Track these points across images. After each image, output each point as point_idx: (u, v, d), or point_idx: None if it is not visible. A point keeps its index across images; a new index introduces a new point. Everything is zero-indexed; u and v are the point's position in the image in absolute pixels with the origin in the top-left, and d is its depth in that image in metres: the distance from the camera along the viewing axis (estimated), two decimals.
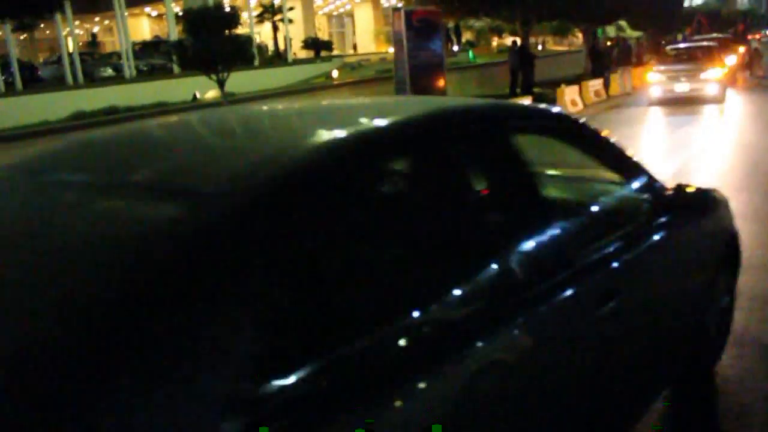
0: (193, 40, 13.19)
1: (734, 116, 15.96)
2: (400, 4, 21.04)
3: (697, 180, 9.28)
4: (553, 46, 48.21)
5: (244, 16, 43.43)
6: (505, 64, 24.09)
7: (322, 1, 47.87)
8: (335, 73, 24.93)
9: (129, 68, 25.60)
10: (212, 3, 13.39)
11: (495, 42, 44.64)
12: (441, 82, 19.35)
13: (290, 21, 35.34)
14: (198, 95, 19.07)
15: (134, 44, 29.31)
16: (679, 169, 10.04)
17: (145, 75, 26.31)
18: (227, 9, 13.33)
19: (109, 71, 28.28)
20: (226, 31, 13.34)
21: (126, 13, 41.05)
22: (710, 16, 53.48)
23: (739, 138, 12.84)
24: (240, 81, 22.69)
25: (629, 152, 3.26)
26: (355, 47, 50.20)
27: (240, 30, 42.25)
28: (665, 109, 17.71)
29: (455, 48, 34.69)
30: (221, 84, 13.58)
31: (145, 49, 32.41)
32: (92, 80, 25.48)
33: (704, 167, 10.29)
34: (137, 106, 16.82)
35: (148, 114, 15.91)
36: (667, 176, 9.51)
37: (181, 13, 13.67)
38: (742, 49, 29.12)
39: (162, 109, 16.66)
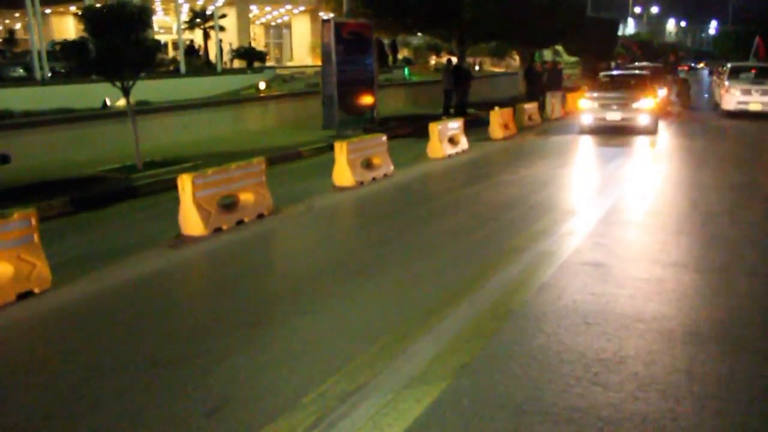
0: (96, 42, 11.86)
1: (667, 149, 15.55)
2: (331, 15, 20.07)
3: (631, 221, 8.77)
4: (491, 66, 48.17)
5: (167, 20, 42.01)
6: (441, 82, 23.50)
7: (259, 10, 46.54)
8: (262, 85, 23.78)
9: (41, 69, 23.80)
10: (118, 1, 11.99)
11: (433, 60, 44.24)
12: (370, 99, 18.48)
13: (222, 29, 33.98)
14: (108, 102, 17.62)
15: (54, 44, 27.25)
16: (613, 207, 9.34)
17: (62, 77, 24.48)
18: (135, 8, 11.97)
19: (20, 71, 26.33)
20: (133, 34, 12.04)
21: (49, 11, 38.95)
22: (642, 46, 54.71)
23: (674, 174, 12.31)
24: (160, 89, 21.34)
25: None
26: (291, 59, 49.10)
27: (167, 36, 40.88)
28: (597, 138, 17.24)
29: (390, 64, 33.94)
30: (126, 92, 12.28)
31: (66, 50, 30.28)
32: (0, 80, 23.60)
33: (638, 206, 9.61)
34: (35, 112, 15.31)
35: (44, 121, 14.45)
36: (599, 215, 8.95)
37: (84, 11, 12.19)
38: (672, 78, 29.43)
39: (64, 116, 15.19)
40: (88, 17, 11.84)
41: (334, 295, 6.00)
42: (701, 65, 77.07)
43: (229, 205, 9.06)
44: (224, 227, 8.57)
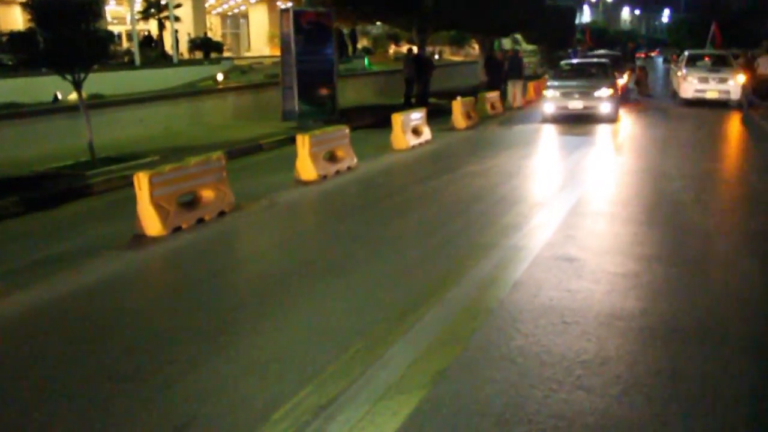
0: (44, 33, 11.30)
1: (630, 137, 15.59)
2: (289, 5, 19.65)
3: (600, 212, 8.68)
4: (450, 56, 48.09)
5: (120, 10, 40.87)
6: (401, 72, 23.28)
7: (215, 0, 45.63)
8: (220, 77, 23.25)
9: None
10: None
11: (392, 50, 43.97)
12: (330, 90, 18.15)
13: (177, 19, 33.15)
14: (60, 96, 16.97)
15: (1, 35, 26.13)
16: (581, 198, 9.26)
17: (9, 71, 23.55)
18: None
19: None
20: (83, 25, 11.52)
21: None
22: (597, 34, 55.22)
23: (639, 162, 12.30)
24: (114, 81, 20.65)
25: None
26: (249, 49, 48.30)
27: (120, 27, 39.80)
28: (560, 127, 17.25)
29: (350, 54, 33.57)
30: (77, 85, 11.77)
31: (13, 42, 29.22)
32: None
33: (606, 196, 9.56)
34: None
35: None
36: (568, 206, 8.85)
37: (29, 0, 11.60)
38: (631, 66, 29.69)
39: (10, 111, 14.55)
40: (34, 6, 11.29)
41: (302, 297, 5.75)
42: (655, 53, 78.31)
43: (188, 203, 8.72)
44: (184, 226, 8.23)
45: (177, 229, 8.11)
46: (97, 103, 16.30)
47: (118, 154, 12.93)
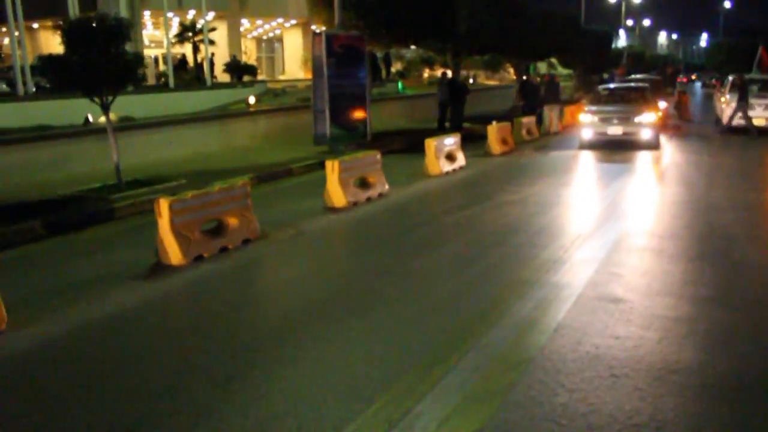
0: (72, 56, 11.19)
1: (673, 165, 14.90)
2: (324, 29, 19.45)
3: (646, 247, 8.13)
4: (485, 79, 47.74)
5: (156, 33, 41.33)
6: (435, 96, 22.93)
7: (250, 24, 46.02)
8: (252, 100, 23.14)
9: (24, 84, 23.12)
10: (108, 14, 11.37)
11: (426, 73, 43.76)
12: (363, 114, 17.83)
13: (211, 42, 33.36)
14: (91, 118, 16.92)
15: (40, 58, 26.50)
16: (625, 231, 8.68)
17: (45, 93, 23.81)
18: (114, 21, 11.33)
19: (3, 86, 25.63)
20: (113, 48, 11.39)
21: (36, 25, 38.29)
22: (635, 58, 54.44)
23: (684, 192, 11.61)
24: (148, 104, 20.70)
25: None
26: (283, 73, 48.58)
27: (158, 51, 40.20)
28: (598, 153, 16.63)
29: (384, 78, 33.40)
30: (105, 108, 11.62)
31: (46, 64, 29.65)
32: None
33: (652, 229, 8.96)
34: (13, 128, 14.61)
35: (21, 139, 13.75)
36: (612, 240, 8.28)
37: (60, 24, 11.52)
38: (671, 91, 28.94)
39: (41, 133, 14.50)
40: (64, 30, 11.19)
41: (323, 340, 5.31)
42: (693, 77, 77.07)
43: (211, 230, 8.38)
44: (206, 255, 7.89)
45: (199, 258, 7.77)
46: (128, 125, 16.21)
47: (146, 177, 12.73)
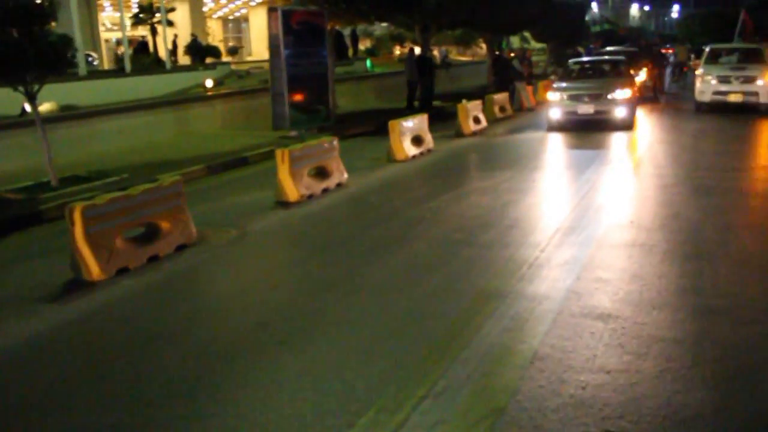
0: None
1: (652, 149, 13.53)
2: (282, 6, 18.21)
3: (634, 243, 7.19)
4: (457, 56, 46.54)
5: (116, 15, 39.52)
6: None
7: (215, 3, 44.31)
8: (209, 83, 21.83)
9: None
10: None
11: (397, 51, 42.49)
12: (324, 95, 16.67)
13: (170, 23, 31.80)
14: (28, 108, 15.58)
15: None
16: (608, 226, 7.70)
17: None
18: None
19: None
20: (37, 30, 10.15)
21: None
22: (606, 34, 53.50)
23: (670, 175, 10.66)
24: (98, 90, 19.27)
25: None
26: (251, 54, 47.03)
27: (116, 33, 38.44)
28: (567, 137, 15.13)
29: (351, 56, 32.18)
30: (31, 98, 10.44)
31: None
32: None
33: (640, 222, 7.98)
34: None
35: None
36: (594, 236, 7.12)
37: None
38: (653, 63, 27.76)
39: None
40: None
41: (249, 382, 4.29)
42: (671, 50, 76.41)
43: (141, 237, 7.30)
44: (131, 267, 6.82)
45: (123, 270, 6.70)
46: (69, 115, 14.92)
47: (88, 172, 11.57)
